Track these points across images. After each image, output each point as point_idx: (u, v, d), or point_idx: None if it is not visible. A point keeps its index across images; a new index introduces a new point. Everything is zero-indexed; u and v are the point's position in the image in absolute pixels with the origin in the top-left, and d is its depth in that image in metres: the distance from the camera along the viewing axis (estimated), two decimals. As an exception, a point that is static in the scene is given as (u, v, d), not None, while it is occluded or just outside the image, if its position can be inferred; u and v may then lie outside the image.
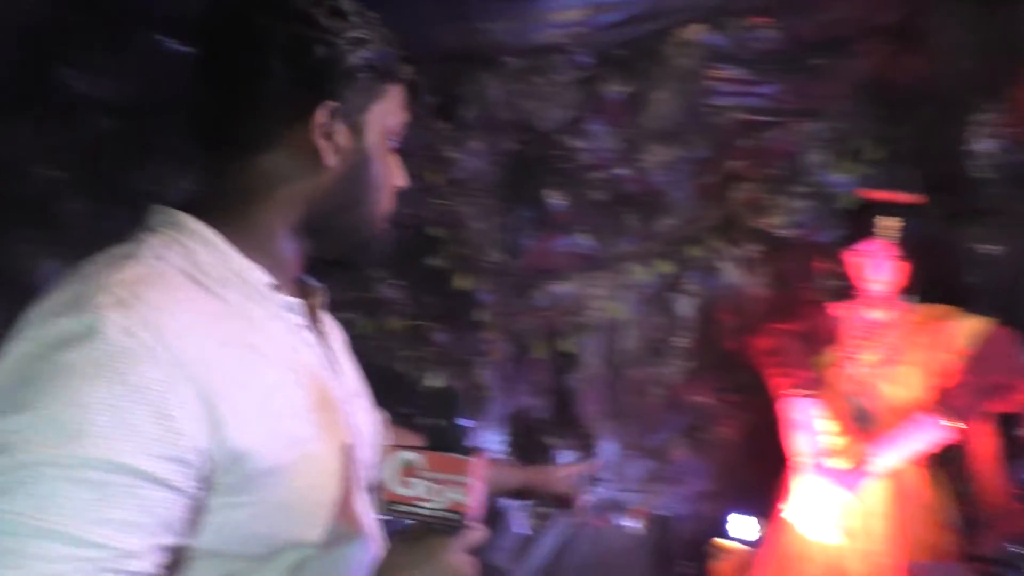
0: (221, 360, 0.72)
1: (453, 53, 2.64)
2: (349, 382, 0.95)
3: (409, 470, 0.77)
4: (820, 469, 2.15)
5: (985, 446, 2.23)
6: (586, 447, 2.83)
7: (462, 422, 0.79)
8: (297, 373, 0.81)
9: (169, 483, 0.67)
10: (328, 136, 0.82)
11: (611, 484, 2.84)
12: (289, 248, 0.86)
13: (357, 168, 0.85)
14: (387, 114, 0.87)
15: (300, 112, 0.81)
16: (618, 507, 2.85)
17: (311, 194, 0.84)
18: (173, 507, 0.68)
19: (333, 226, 0.87)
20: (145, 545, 0.66)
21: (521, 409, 2.85)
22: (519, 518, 2.78)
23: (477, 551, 0.79)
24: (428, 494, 0.76)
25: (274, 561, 0.77)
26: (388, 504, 0.78)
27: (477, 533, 0.79)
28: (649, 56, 2.74)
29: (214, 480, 0.71)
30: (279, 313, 0.83)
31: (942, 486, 2.26)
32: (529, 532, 2.80)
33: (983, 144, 2.45)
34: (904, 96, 2.78)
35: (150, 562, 0.66)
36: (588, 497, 1.32)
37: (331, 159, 0.83)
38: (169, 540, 0.68)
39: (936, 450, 2.19)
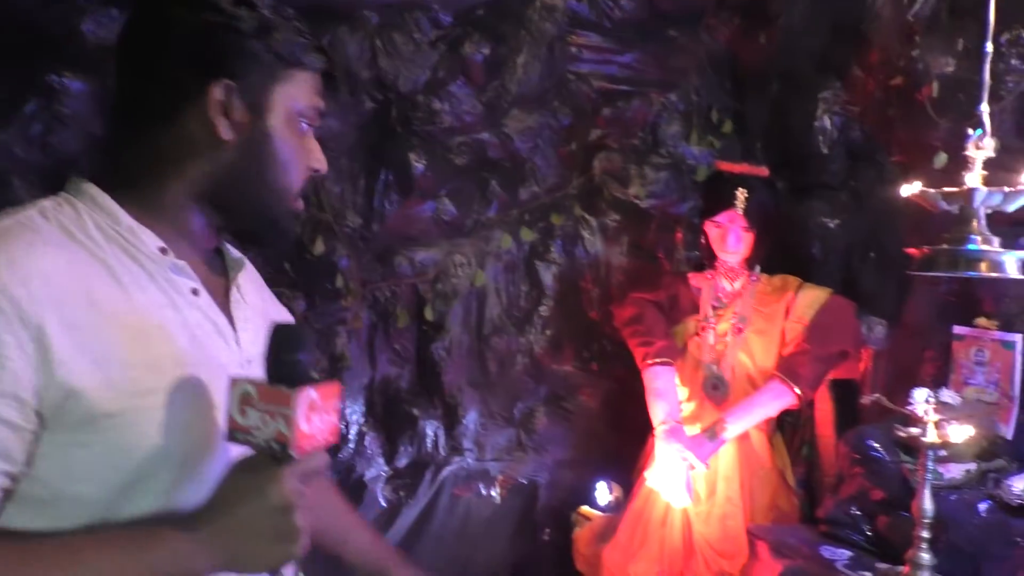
0: (67, 307, 0.79)
1: (308, 5, 2.47)
2: (249, 349, 0.96)
3: (247, 400, 0.80)
4: (678, 435, 2.21)
5: (825, 412, 2.38)
6: (450, 416, 2.79)
7: (300, 356, 0.81)
8: (164, 330, 0.86)
9: (1, 417, 0.76)
10: (225, 112, 0.89)
11: (474, 453, 2.83)
12: (194, 219, 0.93)
13: (258, 145, 0.92)
14: (292, 97, 0.93)
15: (197, 89, 0.88)
16: (481, 477, 2.84)
17: (214, 167, 0.91)
18: (6, 438, 0.76)
19: (237, 200, 0.94)
20: None
21: (384, 379, 2.77)
22: (380, 490, 2.72)
23: (311, 478, 0.82)
24: (260, 424, 0.79)
25: (128, 503, 0.83)
26: (230, 431, 0.81)
27: (311, 463, 0.82)
28: (512, 19, 2.69)
29: (50, 417, 0.78)
30: (166, 275, 0.88)
31: (783, 450, 2.39)
32: (386, 504, 2.74)
33: (824, 121, 2.57)
34: (754, 72, 2.88)
35: None
36: None
37: (227, 133, 0.89)
38: (3, 467, 0.77)
39: (777, 415, 2.31)
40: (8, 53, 2.18)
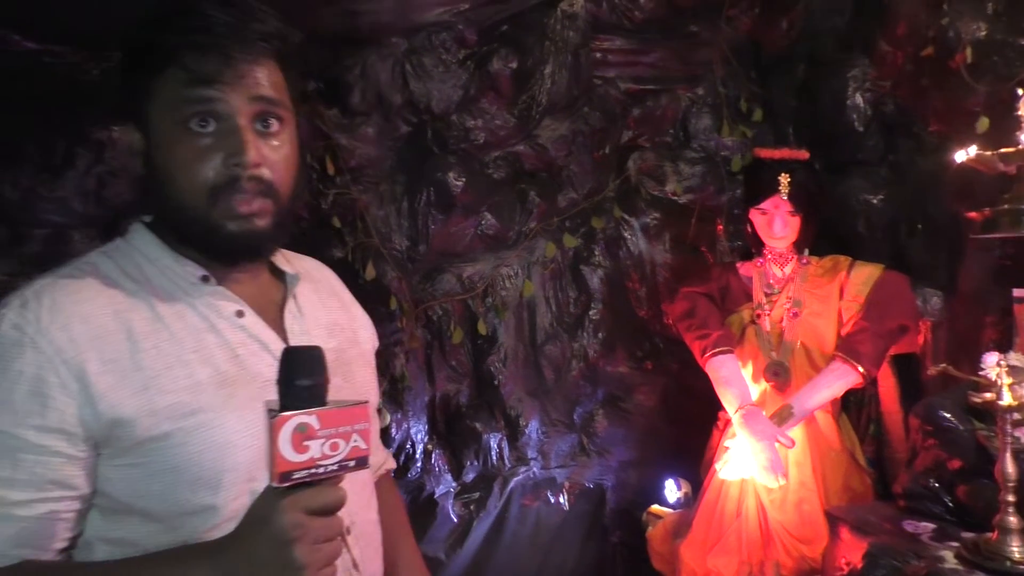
0: (107, 345, 0.87)
1: (334, 36, 2.53)
2: None
3: (304, 434, 0.75)
4: (756, 417, 2.18)
5: (888, 388, 2.35)
6: (511, 427, 2.81)
7: (297, 381, 0.76)
8: (202, 353, 0.91)
9: (50, 449, 0.83)
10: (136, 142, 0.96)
11: (539, 462, 2.85)
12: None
13: (149, 162, 0.94)
14: (165, 104, 0.91)
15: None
16: (548, 484, 2.86)
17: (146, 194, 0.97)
18: (59, 468, 0.84)
19: (161, 215, 0.98)
20: (27, 497, 0.83)
21: (444, 395, 2.81)
22: (451, 506, 2.75)
23: (327, 512, 0.77)
24: (327, 451, 0.76)
25: (192, 518, 0.87)
26: (282, 475, 0.74)
27: (319, 497, 0.77)
28: (535, 30, 2.73)
29: (102, 443, 0.86)
30: (207, 301, 0.95)
31: (850, 430, 2.37)
32: (457, 520, 2.77)
33: (855, 99, 2.57)
34: (778, 57, 2.89)
35: (37, 510, 0.84)
36: None
37: (138, 160, 0.96)
38: (57, 493, 0.85)
39: (841, 396, 2.29)
40: (59, 110, 2.26)
